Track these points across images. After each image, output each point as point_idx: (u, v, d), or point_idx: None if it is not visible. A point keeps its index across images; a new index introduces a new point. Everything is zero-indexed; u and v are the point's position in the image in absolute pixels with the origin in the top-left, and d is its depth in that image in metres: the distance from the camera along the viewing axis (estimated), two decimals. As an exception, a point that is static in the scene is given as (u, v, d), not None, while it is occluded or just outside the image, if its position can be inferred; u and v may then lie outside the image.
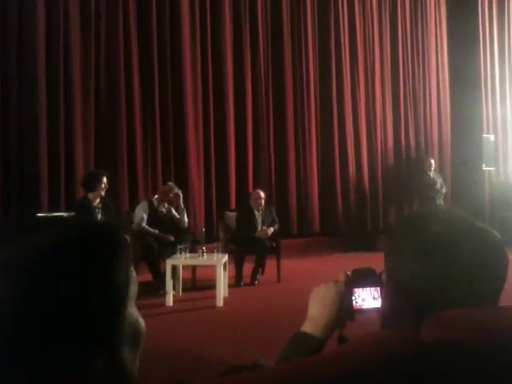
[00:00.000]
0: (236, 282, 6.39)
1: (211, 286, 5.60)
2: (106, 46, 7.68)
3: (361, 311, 1.15)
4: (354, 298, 1.15)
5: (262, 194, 6.97)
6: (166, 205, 6.39)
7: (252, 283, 6.45)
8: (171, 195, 6.37)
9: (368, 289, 1.15)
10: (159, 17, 8.04)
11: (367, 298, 1.15)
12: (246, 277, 6.46)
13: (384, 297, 1.08)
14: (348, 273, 1.18)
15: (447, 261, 0.93)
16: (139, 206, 6.34)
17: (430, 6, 10.43)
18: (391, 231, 1.04)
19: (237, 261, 6.50)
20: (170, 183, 6.72)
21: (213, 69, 8.40)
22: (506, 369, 0.80)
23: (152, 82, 7.94)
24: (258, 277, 6.55)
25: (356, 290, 1.15)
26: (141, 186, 7.71)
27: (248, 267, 6.55)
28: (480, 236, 0.95)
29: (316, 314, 1.16)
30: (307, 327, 1.15)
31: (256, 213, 6.89)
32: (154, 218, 6.25)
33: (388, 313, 1.02)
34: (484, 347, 0.80)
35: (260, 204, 6.90)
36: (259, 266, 6.60)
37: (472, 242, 0.94)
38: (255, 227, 6.80)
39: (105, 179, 5.87)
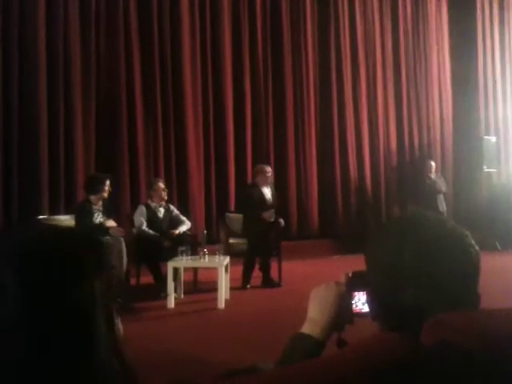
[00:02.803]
0: (243, 285, 6.27)
1: (213, 288, 5.60)
2: (107, 47, 7.68)
3: (361, 315, 1.14)
4: (353, 301, 1.15)
5: (269, 168, 6.76)
6: (164, 203, 6.38)
7: (278, 285, 6.35)
8: (155, 188, 6.36)
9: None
10: (160, 18, 8.05)
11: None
12: (237, 280, 6.33)
13: (369, 301, 1.09)
14: (349, 274, 1.17)
15: (418, 262, 0.96)
16: (136, 211, 6.32)
17: (431, 8, 10.43)
18: (369, 237, 1.07)
19: (248, 262, 6.36)
20: (153, 179, 6.82)
21: (212, 74, 8.40)
22: (504, 372, 0.80)
23: (153, 85, 7.94)
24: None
25: (356, 293, 1.15)
26: (142, 188, 7.70)
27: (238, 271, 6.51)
28: (452, 239, 0.98)
29: (315, 314, 1.14)
30: (306, 328, 1.14)
31: (265, 189, 6.65)
32: (154, 220, 6.24)
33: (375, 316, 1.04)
34: (482, 350, 0.80)
35: (267, 178, 6.62)
36: (268, 268, 6.49)
37: (442, 243, 0.98)
38: (266, 205, 6.55)
39: (108, 182, 5.88)
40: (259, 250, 6.39)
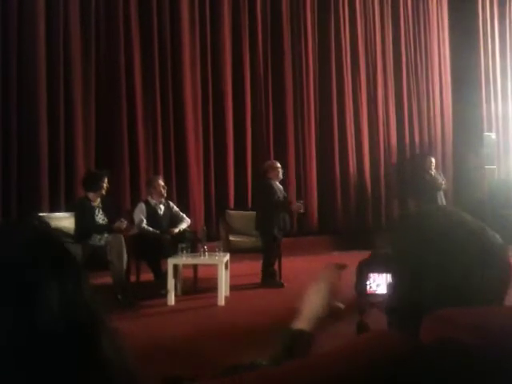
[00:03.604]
0: (277, 283, 6.24)
1: (213, 285, 5.60)
2: (107, 45, 7.68)
3: (374, 296, 1.16)
4: (368, 282, 1.16)
5: (279, 163, 6.81)
6: (163, 200, 6.38)
7: (281, 284, 6.34)
8: (155, 185, 6.36)
9: (384, 274, 1.15)
10: (159, 16, 8.04)
11: (382, 284, 1.16)
12: (236, 277, 6.37)
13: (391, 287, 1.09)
14: (337, 264, 1.25)
15: (444, 256, 0.96)
16: (136, 208, 6.33)
17: (432, 4, 10.42)
18: (396, 224, 1.11)
19: (270, 259, 6.34)
20: (152, 176, 6.86)
21: (212, 70, 8.40)
22: (504, 368, 0.80)
23: (153, 83, 7.93)
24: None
25: (371, 274, 1.16)
26: (142, 185, 7.69)
27: (244, 266, 6.47)
28: (480, 234, 0.97)
29: (302, 307, 1.22)
30: (293, 323, 1.20)
31: (278, 184, 6.69)
32: (154, 217, 6.24)
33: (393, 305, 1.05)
34: (483, 347, 0.80)
35: (279, 173, 6.67)
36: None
37: (471, 239, 0.97)
38: (285, 199, 6.60)
39: (106, 179, 5.88)
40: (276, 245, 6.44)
